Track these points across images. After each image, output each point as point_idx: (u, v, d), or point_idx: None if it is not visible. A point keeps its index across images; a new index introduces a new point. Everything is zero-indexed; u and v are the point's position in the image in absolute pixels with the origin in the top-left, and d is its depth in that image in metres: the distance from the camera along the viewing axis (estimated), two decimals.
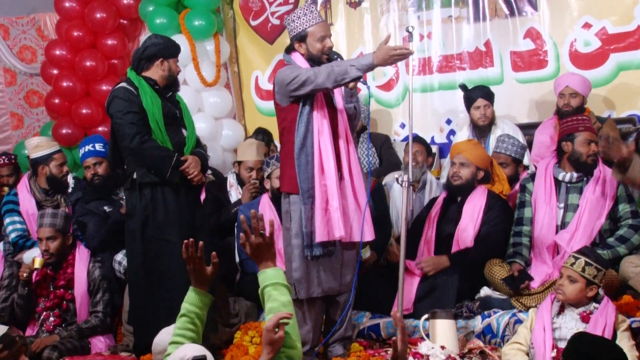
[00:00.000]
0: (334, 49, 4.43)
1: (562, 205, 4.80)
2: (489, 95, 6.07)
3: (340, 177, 4.31)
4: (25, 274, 5.01)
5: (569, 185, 4.81)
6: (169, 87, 4.82)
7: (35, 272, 5.06)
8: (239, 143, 7.24)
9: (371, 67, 4.16)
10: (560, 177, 4.84)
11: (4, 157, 6.51)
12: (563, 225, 4.76)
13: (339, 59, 4.38)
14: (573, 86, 5.76)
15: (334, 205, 4.22)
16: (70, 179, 6.41)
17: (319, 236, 4.20)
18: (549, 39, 6.55)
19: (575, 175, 4.79)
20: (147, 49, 4.75)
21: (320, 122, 4.29)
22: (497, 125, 6.07)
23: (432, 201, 5.36)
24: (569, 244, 4.65)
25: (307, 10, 4.35)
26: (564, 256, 4.55)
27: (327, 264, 4.32)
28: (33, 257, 5.09)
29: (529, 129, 6.21)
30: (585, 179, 4.79)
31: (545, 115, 6.21)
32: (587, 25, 6.43)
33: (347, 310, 4.44)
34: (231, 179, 6.25)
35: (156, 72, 4.75)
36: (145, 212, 4.66)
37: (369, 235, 4.39)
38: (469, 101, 6.13)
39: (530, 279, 4.69)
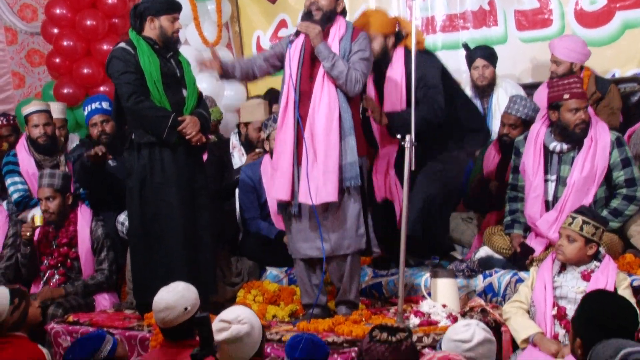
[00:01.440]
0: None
1: (553, 177, 4.61)
2: (488, 56, 5.99)
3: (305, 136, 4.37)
4: (28, 233, 5.04)
5: (561, 155, 4.60)
6: (168, 47, 4.77)
7: (37, 230, 5.09)
8: (241, 103, 7.22)
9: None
10: (551, 147, 4.62)
11: (2, 117, 6.48)
12: (555, 200, 4.56)
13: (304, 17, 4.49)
14: (556, 54, 5.47)
15: (282, 167, 4.40)
16: (76, 140, 6.42)
17: (269, 194, 4.50)
18: None
19: (565, 146, 4.58)
20: (138, 7, 4.72)
21: (285, 87, 4.47)
22: (499, 85, 6.01)
23: None
24: (550, 230, 4.52)
25: None
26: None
27: (299, 225, 4.46)
28: (33, 215, 5.12)
29: (533, 88, 6.13)
30: (577, 148, 4.56)
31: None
32: None
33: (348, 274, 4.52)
34: (234, 140, 6.23)
35: (150, 30, 4.70)
36: (143, 172, 4.65)
37: (325, 197, 4.32)
38: (469, 61, 6.08)
39: (532, 251, 4.60)
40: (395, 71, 4.81)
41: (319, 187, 4.30)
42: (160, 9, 4.68)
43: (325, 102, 4.35)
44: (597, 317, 2.80)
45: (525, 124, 5.22)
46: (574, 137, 4.54)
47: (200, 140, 4.68)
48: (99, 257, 5.22)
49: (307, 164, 4.32)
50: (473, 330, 2.97)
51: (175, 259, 4.62)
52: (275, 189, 4.46)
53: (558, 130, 4.59)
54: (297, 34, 4.49)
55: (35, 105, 5.80)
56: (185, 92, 4.77)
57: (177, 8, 4.77)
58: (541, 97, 5.48)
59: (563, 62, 5.44)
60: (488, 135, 5.40)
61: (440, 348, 3.01)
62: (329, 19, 4.43)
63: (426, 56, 4.83)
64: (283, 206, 4.51)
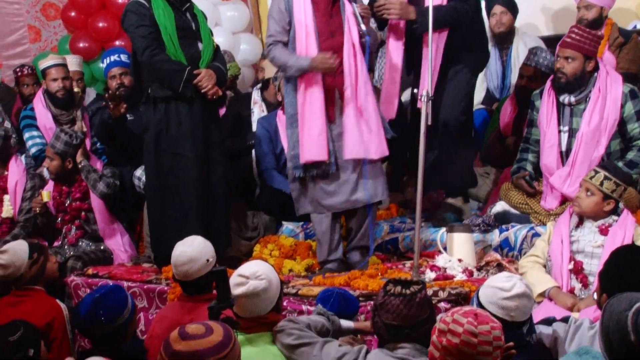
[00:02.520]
0: None
1: (566, 128, 4.56)
2: (507, 3, 5.92)
3: (342, 97, 4.35)
4: (37, 209, 5.12)
5: (572, 107, 4.54)
6: (183, 2, 4.73)
7: (47, 203, 5.16)
8: (257, 57, 7.21)
9: (304, 71, 4.31)
10: (561, 99, 4.56)
11: (26, 67, 6.52)
12: (568, 151, 4.52)
13: None
14: None
15: (316, 127, 4.32)
16: (93, 95, 6.42)
17: (302, 157, 4.36)
18: None
19: (573, 98, 4.51)
20: None
21: (301, 45, 4.35)
22: (519, 37, 5.94)
23: None
24: (564, 185, 4.49)
25: None
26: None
27: (322, 183, 4.44)
28: (40, 191, 5.18)
29: (553, 41, 6.03)
30: (587, 98, 4.48)
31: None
32: None
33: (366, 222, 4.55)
34: (255, 96, 6.20)
35: None
36: (159, 126, 4.66)
37: (380, 152, 4.39)
38: (488, 9, 5.98)
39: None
40: None
41: (374, 142, 4.35)
42: None
43: (360, 59, 4.33)
44: (624, 272, 2.81)
45: (544, 76, 5.17)
46: (562, 85, 4.48)
47: (217, 93, 4.65)
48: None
49: (352, 120, 4.32)
50: (514, 282, 2.94)
51: (189, 213, 4.66)
52: (310, 151, 4.34)
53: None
54: None
55: (53, 58, 5.77)
56: (200, 46, 4.73)
57: None
58: None
59: (594, 5, 5.42)
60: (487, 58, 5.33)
61: (478, 295, 3.00)
62: None
63: None
64: (309, 167, 4.42)
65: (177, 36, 4.60)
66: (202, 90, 4.60)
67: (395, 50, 4.77)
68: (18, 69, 6.53)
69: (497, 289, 2.93)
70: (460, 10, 4.55)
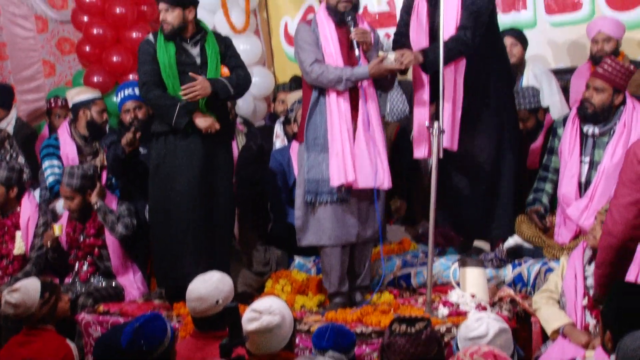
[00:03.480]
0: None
1: (587, 159, 4.57)
2: (517, 35, 5.94)
3: (355, 126, 4.40)
4: (49, 243, 5.13)
5: (595, 139, 4.54)
6: (195, 34, 4.79)
7: (60, 238, 5.17)
8: (269, 90, 7.24)
9: (365, 79, 4.37)
10: (584, 130, 4.57)
11: (60, 99, 6.63)
12: (588, 183, 4.53)
13: (351, 16, 4.40)
14: (606, 31, 5.55)
15: (345, 150, 4.35)
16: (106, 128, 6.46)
17: (334, 180, 4.36)
18: None
19: (597, 129, 4.51)
20: None
21: None
22: (529, 68, 5.96)
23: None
24: (581, 217, 4.47)
25: None
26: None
27: (333, 212, 4.44)
28: (52, 224, 5.19)
29: (563, 73, 6.09)
30: (612, 131, 4.49)
31: (580, 59, 6.07)
32: None
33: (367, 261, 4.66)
34: (278, 130, 6.21)
35: None
36: (157, 159, 4.79)
37: (390, 182, 4.44)
38: None
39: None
40: None
41: (385, 172, 4.41)
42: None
43: (372, 91, 4.44)
44: (627, 309, 2.77)
45: (534, 111, 5.35)
46: (589, 116, 4.48)
47: (212, 128, 4.68)
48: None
49: (369, 149, 4.38)
50: (487, 324, 2.94)
51: (185, 246, 4.74)
52: (339, 173, 4.36)
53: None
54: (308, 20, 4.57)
55: (92, 91, 6.01)
56: None
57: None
58: (580, 79, 5.51)
59: (612, 38, 5.49)
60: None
61: (457, 348, 2.98)
62: (355, 8, 4.48)
63: None
64: (328, 192, 4.44)
65: (177, 71, 4.69)
66: (189, 97, 4.60)
67: (421, 87, 4.76)
68: (52, 100, 6.68)
69: (475, 339, 2.92)
70: (462, 39, 4.52)
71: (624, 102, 4.49)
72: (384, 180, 4.42)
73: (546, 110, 5.51)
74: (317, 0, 4.59)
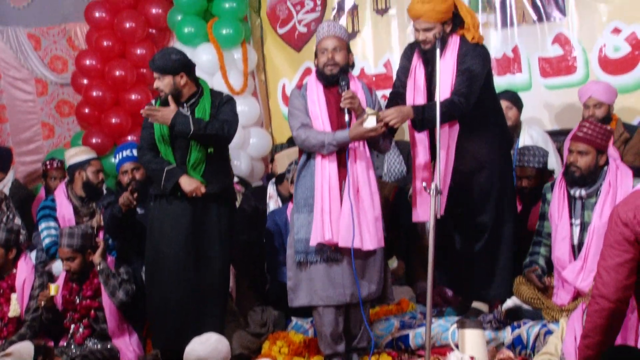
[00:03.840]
0: (358, 57, 4.54)
1: (577, 222, 4.57)
2: (512, 98, 6.00)
3: (342, 186, 4.41)
4: (43, 302, 5.07)
5: (584, 200, 4.56)
6: (191, 97, 4.84)
7: (55, 298, 5.11)
8: (267, 151, 7.29)
9: (346, 143, 4.38)
10: (572, 193, 4.59)
11: (55, 160, 6.71)
12: (580, 245, 4.52)
13: (344, 82, 4.44)
14: (596, 96, 5.61)
15: (324, 209, 4.37)
16: (104, 189, 6.48)
17: (313, 239, 4.37)
18: (577, 45, 6.47)
19: (583, 191, 4.55)
20: None
21: None
22: (525, 130, 6.01)
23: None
24: (577, 279, 4.46)
25: (320, 26, 4.59)
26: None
27: (324, 271, 4.43)
28: (48, 284, 5.14)
29: (558, 135, 6.14)
30: (598, 192, 4.51)
31: (575, 121, 6.05)
32: (616, 30, 6.34)
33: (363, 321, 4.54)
34: (271, 190, 6.24)
35: None
36: (151, 221, 4.86)
37: (375, 244, 4.40)
38: None
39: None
40: (448, 60, 4.62)
41: (370, 233, 4.37)
42: (151, 69, 4.80)
43: (362, 152, 4.45)
44: None
45: (539, 171, 5.31)
46: (576, 179, 4.51)
47: (197, 192, 4.69)
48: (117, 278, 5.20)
49: (353, 210, 4.35)
50: None
51: (178, 309, 4.74)
52: (317, 232, 4.36)
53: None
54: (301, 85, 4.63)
55: (88, 152, 6.02)
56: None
57: (154, 67, 4.78)
58: None
59: (604, 104, 5.54)
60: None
61: None
62: (344, 72, 4.51)
63: (479, 48, 4.69)
64: (316, 251, 4.43)
65: (169, 136, 4.75)
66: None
67: (418, 149, 4.79)
68: (48, 162, 6.74)
69: None
70: (455, 103, 4.52)
71: (607, 162, 4.54)
72: (371, 241, 4.38)
73: (551, 172, 5.50)
74: (314, 62, 4.60)
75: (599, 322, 3.13)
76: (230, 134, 4.80)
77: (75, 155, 5.92)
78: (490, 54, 4.86)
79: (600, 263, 3.13)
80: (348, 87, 4.44)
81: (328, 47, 4.47)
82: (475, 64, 4.59)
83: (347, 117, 4.39)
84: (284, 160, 6.27)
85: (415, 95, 4.72)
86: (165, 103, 4.76)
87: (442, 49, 4.51)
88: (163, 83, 4.75)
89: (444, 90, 4.46)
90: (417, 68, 4.75)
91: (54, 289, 5.05)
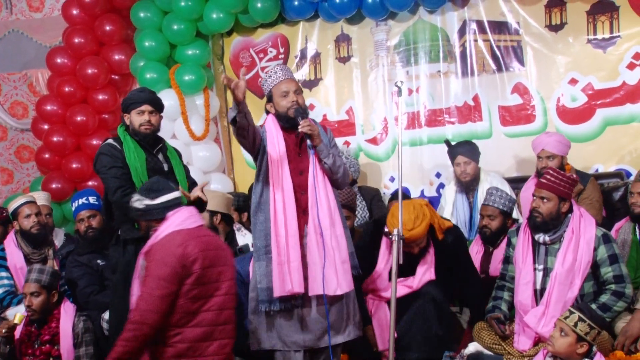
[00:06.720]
0: (322, 101, 4.51)
1: (541, 267, 4.62)
2: (469, 152, 6.09)
3: (302, 233, 4.32)
4: (4, 330, 4.94)
5: (547, 246, 4.62)
6: (155, 141, 4.83)
7: (17, 328, 4.99)
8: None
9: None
10: (536, 238, 4.65)
11: (2, 209, 6.49)
12: (543, 290, 4.55)
13: (302, 110, 4.36)
14: (549, 149, 5.66)
15: (290, 259, 4.25)
16: (61, 235, 6.38)
17: (277, 290, 4.24)
18: (536, 94, 6.62)
19: (547, 237, 4.61)
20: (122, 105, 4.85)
21: (278, 180, 4.34)
22: (484, 180, 6.08)
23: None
24: (539, 324, 4.48)
25: (272, 70, 4.46)
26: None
27: (289, 317, 4.32)
28: (15, 313, 5.03)
29: (518, 182, 6.22)
30: (561, 238, 4.59)
31: (533, 169, 6.22)
32: (573, 81, 6.51)
33: None
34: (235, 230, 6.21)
35: (129, 126, 4.79)
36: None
37: (345, 287, 4.30)
38: (451, 157, 6.17)
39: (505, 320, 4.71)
40: (426, 259, 4.88)
41: (338, 278, 4.26)
42: (130, 104, 4.77)
43: (324, 194, 4.35)
44: None
45: (503, 214, 5.35)
46: (538, 225, 4.58)
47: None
48: (77, 354, 5.09)
49: (318, 256, 4.26)
50: None
51: None
52: (290, 283, 4.22)
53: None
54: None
55: (22, 198, 5.83)
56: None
57: (150, 100, 4.79)
58: (528, 191, 5.59)
59: (556, 156, 5.61)
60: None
61: None
62: (303, 115, 4.40)
63: (457, 239, 4.97)
64: (283, 301, 4.29)
65: (147, 177, 4.65)
66: None
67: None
68: None
69: None
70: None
71: (571, 210, 4.60)
72: (341, 285, 4.28)
73: (514, 221, 5.53)
74: (267, 107, 4.54)
75: None
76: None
77: (14, 203, 5.81)
78: None
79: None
80: (307, 116, 4.38)
81: (290, 89, 4.38)
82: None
83: (308, 142, 4.29)
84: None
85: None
86: (143, 140, 4.74)
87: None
88: (155, 118, 4.79)
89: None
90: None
91: (18, 318, 4.91)
